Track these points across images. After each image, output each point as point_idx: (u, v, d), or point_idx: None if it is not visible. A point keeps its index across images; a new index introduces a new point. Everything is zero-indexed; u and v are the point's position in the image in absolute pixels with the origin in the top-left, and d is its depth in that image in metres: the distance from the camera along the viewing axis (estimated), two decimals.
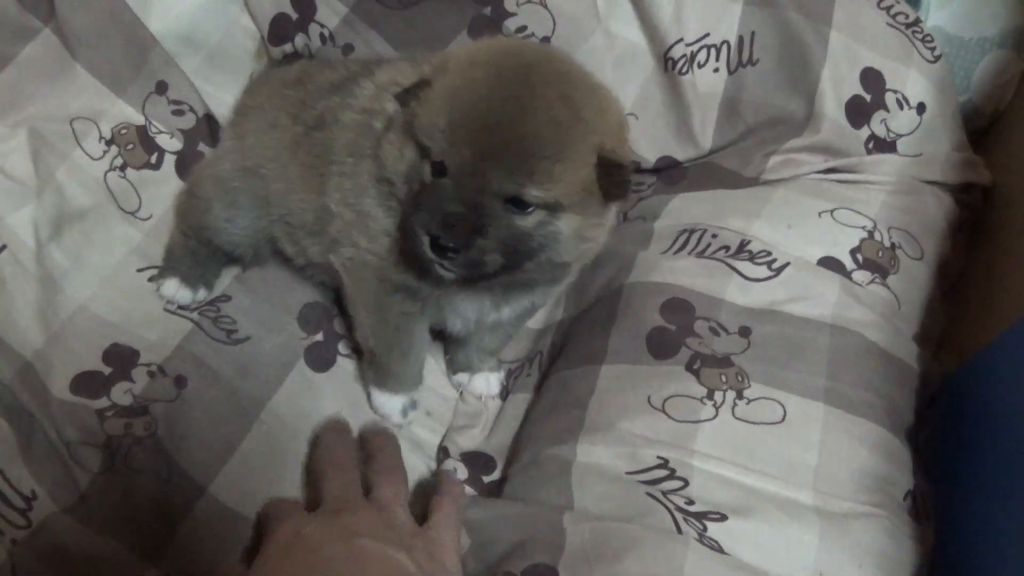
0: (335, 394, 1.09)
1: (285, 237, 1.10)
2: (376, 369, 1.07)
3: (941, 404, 1.06)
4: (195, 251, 1.14)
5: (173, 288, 1.12)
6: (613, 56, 1.23)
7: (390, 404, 1.08)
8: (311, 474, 0.97)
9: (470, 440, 1.10)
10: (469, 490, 1.04)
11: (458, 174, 0.82)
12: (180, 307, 1.12)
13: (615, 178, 0.85)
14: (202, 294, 1.14)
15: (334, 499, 0.89)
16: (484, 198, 0.81)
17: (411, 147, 0.87)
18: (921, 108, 1.23)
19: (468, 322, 1.02)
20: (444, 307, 1.00)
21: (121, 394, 1.01)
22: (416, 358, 1.08)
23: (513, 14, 1.20)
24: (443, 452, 1.08)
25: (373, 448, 1.00)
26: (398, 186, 0.90)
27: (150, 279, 1.14)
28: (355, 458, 0.97)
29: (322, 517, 0.86)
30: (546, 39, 1.20)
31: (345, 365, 1.12)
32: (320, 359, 1.11)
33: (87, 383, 1.02)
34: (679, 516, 0.88)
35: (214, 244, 1.14)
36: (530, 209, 0.83)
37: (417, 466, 1.07)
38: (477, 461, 1.08)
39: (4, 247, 1.05)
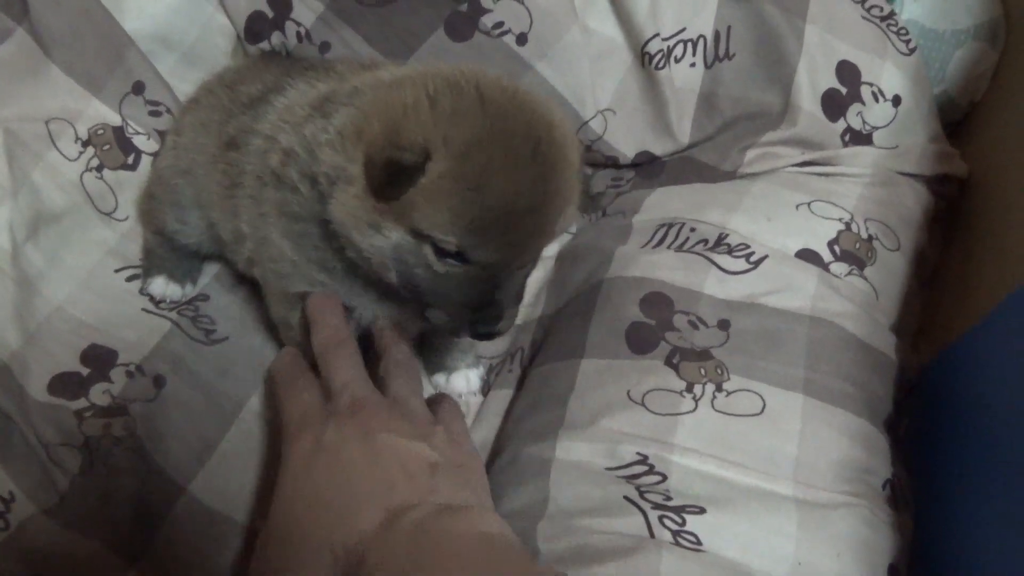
0: None
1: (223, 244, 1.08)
2: None
3: (919, 394, 1.07)
4: (171, 249, 1.13)
5: (161, 286, 1.12)
6: (590, 52, 1.23)
7: None
8: (322, 380, 0.93)
9: None
10: None
11: (486, 265, 0.77)
12: (171, 303, 1.12)
13: (586, 194, 0.85)
14: (189, 288, 1.14)
15: (349, 399, 0.87)
16: (513, 276, 0.80)
17: (400, 231, 0.77)
18: (896, 100, 1.23)
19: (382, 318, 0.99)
20: (361, 322, 0.98)
21: (99, 394, 1.01)
22: None
23: (489, 10, 1.19)
24: None
25: (387, 342, 0.98)
26: (370, 259, 0.82)
27: (129, 279, 1.13)
28: (361, 362, 0.94)
29: (338, 419, 0.84)
30: (523, 35, 1.20)
31: None
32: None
33: (65, 384, 1.02)
34: (654, 516, 0.87)
35: (178, 243, 1.13)
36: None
37: None
38: None
39: None
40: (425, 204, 0.74)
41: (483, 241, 0.75)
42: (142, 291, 1.13)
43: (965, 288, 1.15)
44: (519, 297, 0.82)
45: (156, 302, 1.12)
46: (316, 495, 0.79)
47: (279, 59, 1.18)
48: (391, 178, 0.74)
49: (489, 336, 0.80)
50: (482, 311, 0.78)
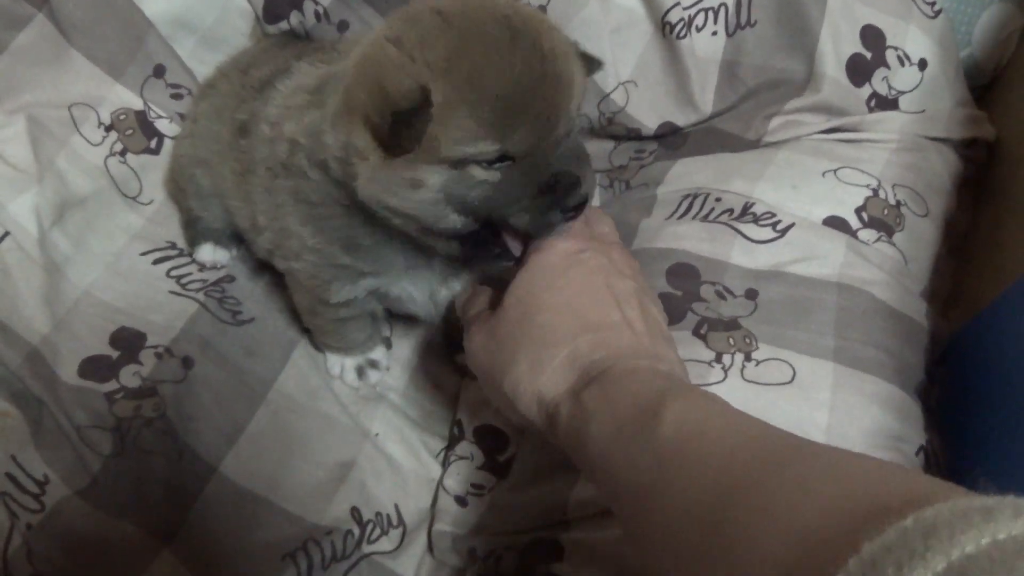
0: None
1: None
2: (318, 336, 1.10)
3: (950, 361, 1.06)
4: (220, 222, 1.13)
5: (209, 252, 1.14)
6: (610, 24, 1.22)
7: (341, 365, 1.10)
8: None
9: (482, 414, 1.10)
10: (486, 474, 1.03)
11: (530, 150, 0.75)
12: (220, 267, 1.15)
13: (585, 55, 0.82)
14: (235, 251, 1.16)
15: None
16: (561, 146, 0.77)
17: (438, 171, 0.75)
18: (923, 64, 1.21)
19: (420, 302, 0.98)
20: (392, 298, 0.98)
21: (129, 376, 1.02)
22: (355, 336, 1.08)
23: None
24: (457, 426, 1.07)
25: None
26: (418, 216, 0.79)
27: (156, 262, 1.14)
28: None
29: (596, 247, 0.80)
30: (542, 7, 1.19)
31: None
32: None
33: (95, 367, 1.02)
34: None
35: (206, 226, 1.14)
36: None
37: (429, 443, 1.08)
38: (490, 438, 1.07)
39: (7, 234, 1.05)
40: (446, 131, 0.72)
41: (513, 128, 0.73)
42: (194, 258, 1.15)
43: (995, 253, 1.13)
44: (584, 158, 0.79)
45: (204, 269, 1.15)
46: (567, 302, 0.75)
47: (295, 42, 1.18)
48: (401, 128, 0.73)
49: (580, 206, 0.76)
50: (557, 189, 0.75)
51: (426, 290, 0.95)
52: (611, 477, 0.62)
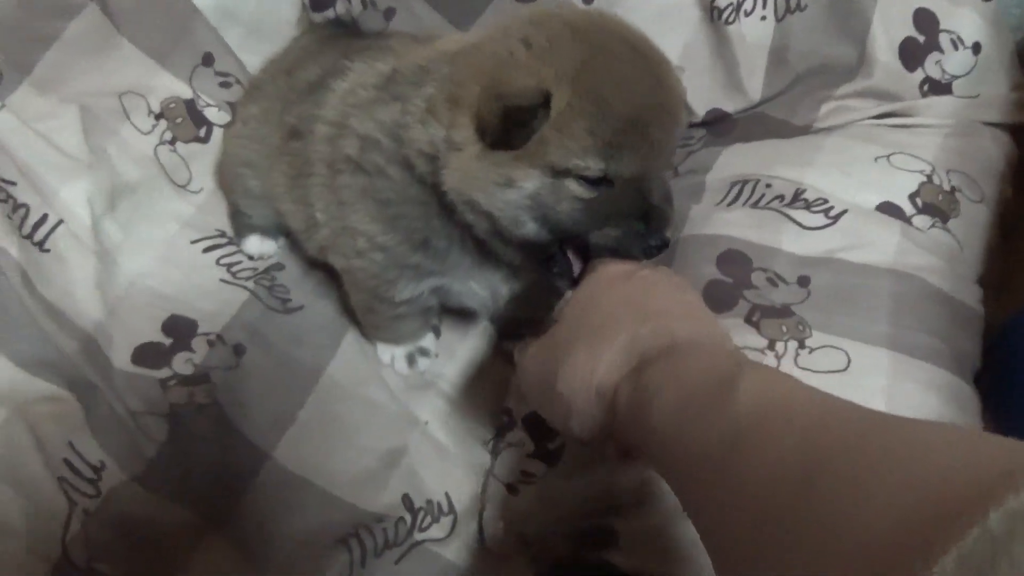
0: None
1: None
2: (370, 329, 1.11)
3: (1001, 347, 1.04)
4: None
5: (256, 244, 1.15)
6: (654, 8, 1.21)
7: (392, 354, 1.11)
8: None
9: None
10: (536, 462, 1.02)
11: (632, 177, 0.75)
12: (267, 258, 1.16)
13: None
14: (282, 241, 1.16)
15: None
16: (659, 180, 0.78)
17: (535, 175, 0.75)
18: (976, 48, 1.19)
19: (481, 299, 0.98)
20: (453, 294, 0.98)
21: (182, 363, 1.03)
22: (408, 328, 1.08)
23: None
24: (506, 413, 1.07)
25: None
26: (500, 217, 0.79)
27: (206, 250, 1.15)
28: None
29: (651, 267, 0.79)
30: None
31: None
32: None
33: (148, 354, 1.04)
34: None
35: (252, 222, 1.15)
36: None
37: (478, 430, 1.08)
38: (540, 426, 1.07)
39: (60, 222, 1.06)
40: (559, 138, 0.73)
41: (624, 153, 0.73)
42: (241, 249, 1.16)
43: None
44: (670, 201, 0.79)
45: (253, 259, 1.16)
46: (626, 298, 0.74)
47: (335, 40, 1.17)
48: (512, 125, 0.73)
49: (662, 247, 0.77)
50: (647, 222, 0.76)
51: (488, 288, 0.95)
52: (679, 449, 0.60)
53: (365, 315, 1.05)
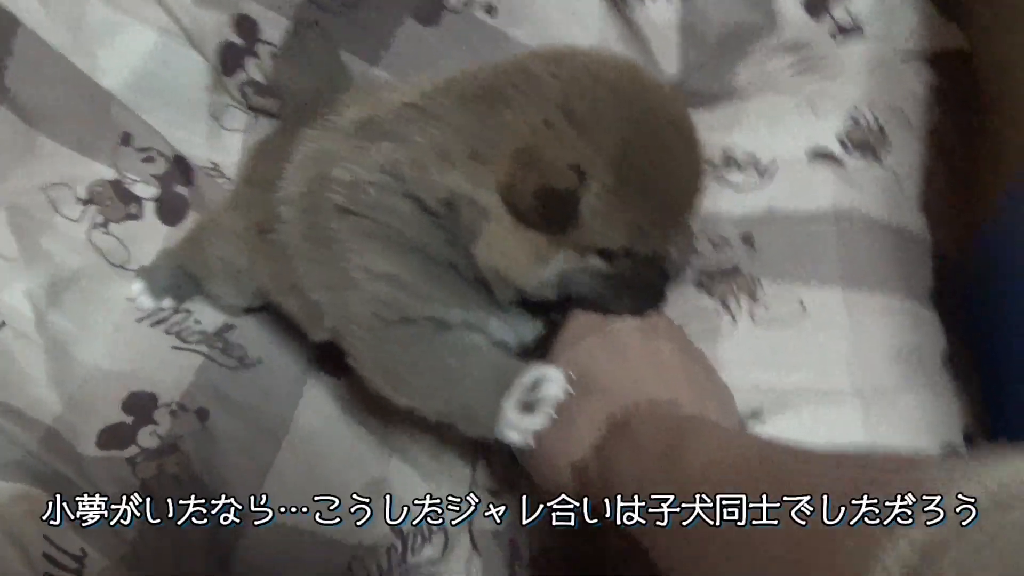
0: (356, 392, 1.08)
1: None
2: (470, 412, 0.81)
3: (965, 269, 1.04)
4: (179, 279, 1.11)
5: (138, 290, 1.11)
6: (562, 5, 1.22)
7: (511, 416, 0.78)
8: None
9: None
10: (518, 467, 1.01)
11: (657, 253, 0.74)
12: (140, 310, 1.12)
13: None
14: (167, 303, 1.12)
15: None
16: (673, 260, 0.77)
17: (565, 253, 0.71)
18: None
19: (521, 338, 0.88)
20: (497, 332, 0.85)
21: (147, 437, 1.01)
22: (495, 359, 0.82)
23: None
24: None
25: None
26: (526, 289, 0.74)
27: (152, 324, 1.12)
28: None
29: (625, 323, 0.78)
30: (491, 6, 1.19)
31: None
32: (333, 361, 1.09)
33: (113, 435, 1.02)
34: None
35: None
36: None
37: (454, 446, 1.06)
38: None
39: (3, 324, 1.05)
40: (593, 222, 0.68)
41: (655, 235, 0.71)
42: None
43: (994, 162, 1.11)
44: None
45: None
46: (597, 361, 0.75)
47: (281, 137, 1.10)
48: (553, 206, 0.67)
49: (661, 304, 0.77)
50: (658, 286, 0.76)
51: (532, 330, 0.86)
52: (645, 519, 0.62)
53: (436, 390, 0.81)
